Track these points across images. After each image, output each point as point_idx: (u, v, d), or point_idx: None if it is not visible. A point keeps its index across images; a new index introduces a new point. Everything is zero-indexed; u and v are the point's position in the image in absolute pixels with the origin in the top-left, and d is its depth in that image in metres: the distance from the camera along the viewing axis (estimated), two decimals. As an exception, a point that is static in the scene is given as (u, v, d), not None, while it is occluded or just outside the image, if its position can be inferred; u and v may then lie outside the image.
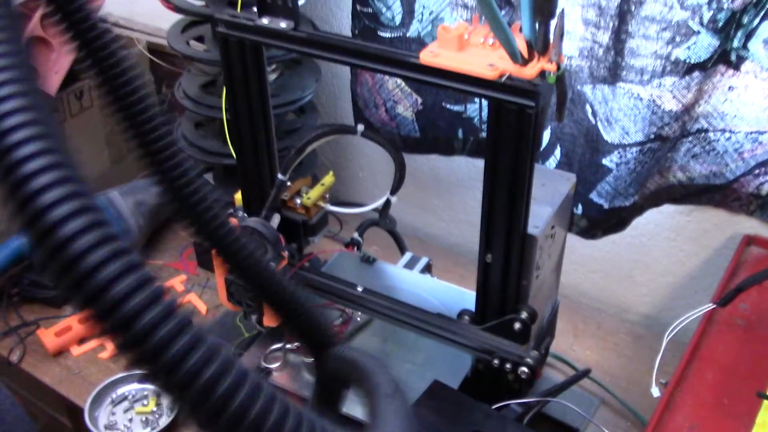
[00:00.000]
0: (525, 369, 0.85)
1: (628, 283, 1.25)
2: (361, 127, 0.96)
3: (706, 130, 1.03)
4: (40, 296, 1.18)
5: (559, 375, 1.06)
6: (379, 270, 1.06)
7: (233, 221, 0.93)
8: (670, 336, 0.89)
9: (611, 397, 1.03)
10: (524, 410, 0.90)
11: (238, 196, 1.01)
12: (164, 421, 0.99)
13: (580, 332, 1.15)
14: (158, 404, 1.02)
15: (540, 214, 0.81)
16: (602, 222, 1.12)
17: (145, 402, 1.02)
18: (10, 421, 0.87)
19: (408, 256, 1.12)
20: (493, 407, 0.88)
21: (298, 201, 0.98)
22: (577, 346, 1.13)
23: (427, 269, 1.11)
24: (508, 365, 0.86)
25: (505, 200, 0.77)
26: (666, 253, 1.19)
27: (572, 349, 1.12)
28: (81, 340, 1.13)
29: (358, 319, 1.03)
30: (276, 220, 0.97)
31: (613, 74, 1.00)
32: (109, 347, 1.11)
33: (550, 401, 0.93)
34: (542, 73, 0.70)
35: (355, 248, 1.10)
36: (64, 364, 1.10)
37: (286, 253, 0.94)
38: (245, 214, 0.99)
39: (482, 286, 0.85)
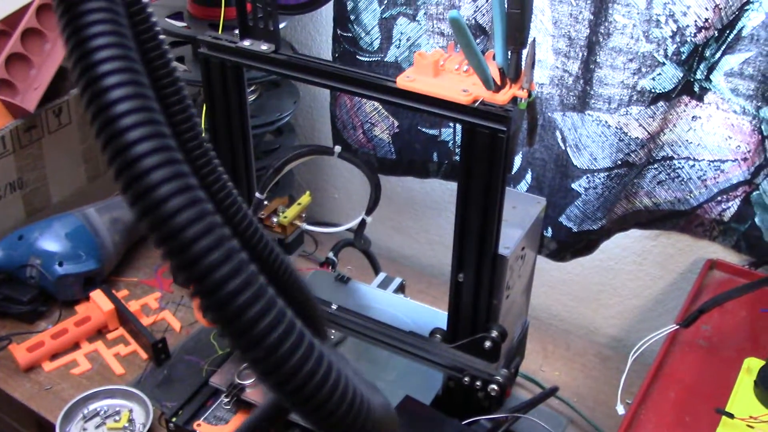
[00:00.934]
0: (495, 386, 0.87)
1: (596, 306, 1.28)
2: (338, 149, 0.98)
3: (671, 158, 1.07)
4: (12, 311, 1.17)
5: (528, 395, 1.07)
6: (354, 289, 1.07)
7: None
8: (635, 356, 0.92)
9: (578, 416, 1.06)
10: (494, 426, 0.92)
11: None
12: (136, 437, 0.99)
13: (549, 353, 1.18)
14: (130, 420, 1.02)
15: (511, 236, 0.84)
16: (571, 245, 1.15)
17: (117, 418, 1.02)
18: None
19: (382, 276, 1.14)
20: (463, 423, 0.90)
21: (275, 220, 0.99)
22: (547, 366, 1.15)
23: (401, 289, 1.12)
24: (478, 383, 0.88)
25: (477, 222, 0.79)
26: (632, 277, 1.22)
27: (542, 370, 1.14)
28: (53, 356, 1.12)
29: (332, 336, 1.05)
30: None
31: (582, 102, 1.03)
32: (82, 363, 1.11)
33: (519, 418, 0.95)
34: (514, 100, 0.73)
35: (330, 267, 1.11)
36: (36, 379, 1.09)
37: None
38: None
39: (454, 305, 0.87)
